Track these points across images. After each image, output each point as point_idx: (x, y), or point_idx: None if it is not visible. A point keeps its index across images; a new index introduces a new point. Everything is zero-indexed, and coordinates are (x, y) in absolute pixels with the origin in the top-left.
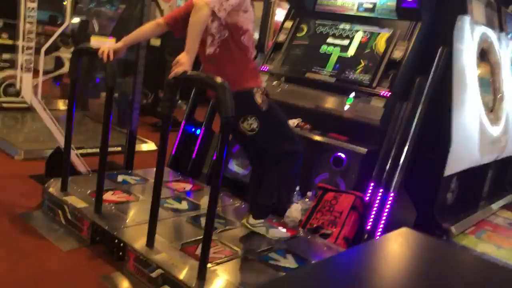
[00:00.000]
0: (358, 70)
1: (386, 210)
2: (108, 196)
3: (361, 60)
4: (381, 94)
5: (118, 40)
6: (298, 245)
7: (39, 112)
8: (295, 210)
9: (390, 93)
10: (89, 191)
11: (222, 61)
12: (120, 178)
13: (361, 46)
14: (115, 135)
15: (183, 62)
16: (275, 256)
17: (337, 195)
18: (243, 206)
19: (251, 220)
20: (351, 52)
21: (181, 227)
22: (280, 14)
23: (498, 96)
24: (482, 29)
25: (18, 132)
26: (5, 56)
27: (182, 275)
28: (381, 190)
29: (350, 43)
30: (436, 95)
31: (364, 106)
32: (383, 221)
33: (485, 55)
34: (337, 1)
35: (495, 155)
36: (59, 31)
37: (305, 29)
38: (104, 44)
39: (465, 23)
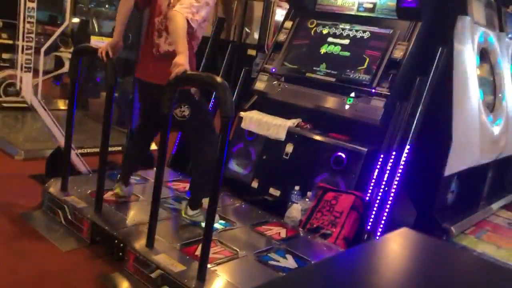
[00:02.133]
0: (360, 70)
1: (386, 210)
2: (108, 196)
3: (364, 58)
4: (381, 94)
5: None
6: (298, 245)
7: (39, 112)
8: (295, 210)
9: (390, 93)
10: (89, 191)
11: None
12: None
13: (361, 46)
14: (115, 134)
15: (182, 63)
16: (275, 256)
17: (337, 195)
18: (243, 206)
19: (190, 212)
20: (351, 52)
21: (181, 227)
22: (280, 14)
23: (498, 96)
24: (482, 29)
25: (18, 132)
26: (5, 56)
27: (181, 275)
28: (381, 190)
29: (350, 43)
30: (436, 95)
31: (364, 106)
32: (383, 221)
33: (485, 55)
34: (337, 1)
35: (495, 155)
36: (59, 31)
37: (307, 29)
38: (104, 44)
39: (465, 23)
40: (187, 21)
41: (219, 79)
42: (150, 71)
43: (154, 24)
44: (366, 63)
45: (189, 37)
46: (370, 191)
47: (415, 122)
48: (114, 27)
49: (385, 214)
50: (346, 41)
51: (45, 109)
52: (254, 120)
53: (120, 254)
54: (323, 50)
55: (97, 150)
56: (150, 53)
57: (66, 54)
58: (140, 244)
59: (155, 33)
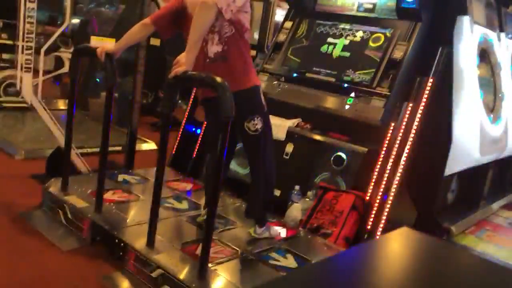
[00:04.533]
0: (360, 70)
1: (386, 210)
2: (108, 195)
3: (364, 58)
4: (381, 94)
5: (118, 40)
6: (298, 245)
7: (39, 112)
8: (296, 210)
9: (390, 93)
10: (89, 191)
11: (232, 58)
12: (120, 177)
13: (361, 46)
14: (115, 134)
15: (184, 62)
16: (275, 256)
17: (337, 194)
18: (243, 206)
19: (258, 230)
20: (351, 52)
21: (181, 227)
22: (280, 14)
23: (498, 96)
24: (482, 29)
25: (18, 131)
26: (5, 56)
27: (182, 275)
28: (381, 190)
29: (350, 43)
30: (436, 95)
31: (364, 106)
32: (383, 221)
33: (485, 55)
34: (337, 1)
35: (495, 155)
36: (59, 31)
37: (307, 29)
38: (104, 44)
39: (465, 23)
40: (220, 11)
41: (219, 79)
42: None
43: None
44: (366, 63)
45: (238, 30)
46: (370, 191)
47: (415, 122)
48: (114, 27)
49: (385, 213)
50: (346, 41)
51: (45, 109)
52: None
53: (121, 253)
54: (323, 50)
55: (97, 150)
56: (201, 66)
57: (66, 54)
58: (140, 243)
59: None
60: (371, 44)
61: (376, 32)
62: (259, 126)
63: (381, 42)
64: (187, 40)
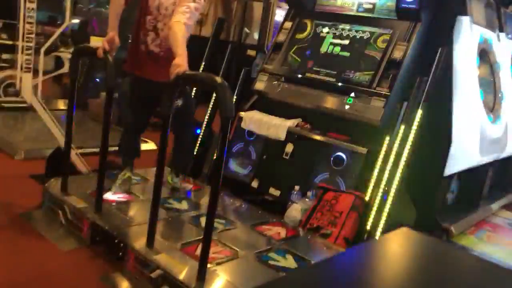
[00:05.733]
0: (359, 70)
1: (386, 210)
2: (108, 195)
3: (364, 58)
4: (381, 94)
5: (119, 40)
6: (298, 245)
7: (39, 112)
8: (295, 210)
9: (390, 93)
10: (89, 191)
11: (165, 60)
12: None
13: (361, 46)
14: (115, 134)
15: (181, 64)
16: (275, 256)
17: (337, 195)
18: (243, 206)
19: (175, 179)
20: (351, 52)
21: (181, 227)
22: (279, 14)
23: (498, 96)
24: (481, 29)
25: (18, 131)
26: (5, 56)
27: (182, 275)
28: (381, 190)
29: (350, 43)
30: (436, 95)
31: (364, 106)
32: (383, 221)
33: (485, 55)
34: (337, 1)
35: (495, 155)
36: (59, 31)
37: (307, 29)
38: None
39: (465, 23)
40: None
41: (219, 79)
42: (145, 68)
43: (144, 23)
44: (366, 63)
45: None
46: (370, 191)
47: (415, 122)
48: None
49: (385, 214)
50: (346, 41)
51: (45, 109)
52: (254, 120)
53: (120, 254)
54: (323, 50)
55: (97, 150)
56: (140, 50)
57: (66, 54)
58: (140, 244)
59: (143, 31)
60: (371, 44)
61: (376, 32)
62: (179, 104)
63: (381, 42)
64: (137, 22)
